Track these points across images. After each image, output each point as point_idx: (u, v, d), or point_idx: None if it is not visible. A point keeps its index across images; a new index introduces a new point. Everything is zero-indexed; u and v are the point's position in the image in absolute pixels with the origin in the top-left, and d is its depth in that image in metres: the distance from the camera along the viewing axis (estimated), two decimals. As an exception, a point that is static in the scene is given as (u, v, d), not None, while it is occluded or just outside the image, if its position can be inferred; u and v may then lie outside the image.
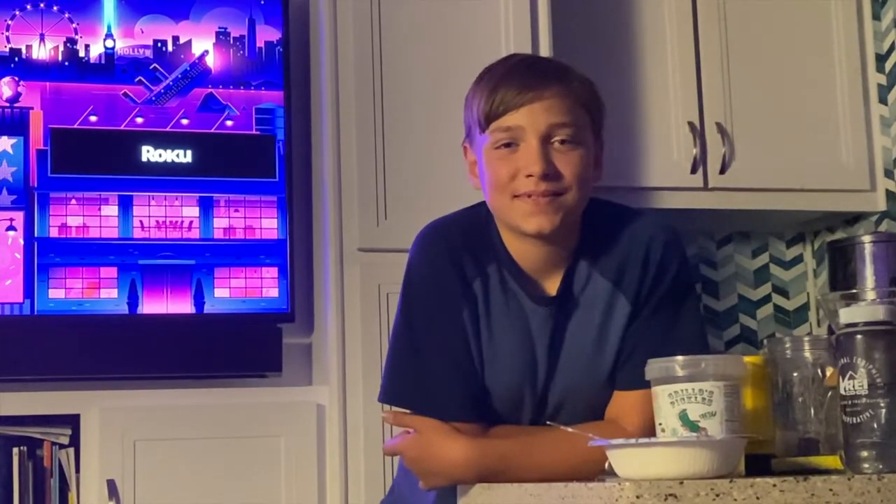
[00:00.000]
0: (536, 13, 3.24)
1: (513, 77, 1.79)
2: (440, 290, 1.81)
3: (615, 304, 1.82)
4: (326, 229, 3.10)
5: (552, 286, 1.83)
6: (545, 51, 3.20)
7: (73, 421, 2.96)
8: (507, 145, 1.77)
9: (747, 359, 1.65)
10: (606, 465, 1.48)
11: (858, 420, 1.44)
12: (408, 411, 1.83)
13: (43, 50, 3.05)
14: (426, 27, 3.20)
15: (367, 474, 2.97)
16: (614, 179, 3.31)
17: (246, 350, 3.08)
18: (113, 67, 3.09)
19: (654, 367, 1.57)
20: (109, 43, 3.08)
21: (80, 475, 2.94)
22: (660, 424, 1.55)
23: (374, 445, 2.96)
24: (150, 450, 2.94)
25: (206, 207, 3.09)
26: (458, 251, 1.82)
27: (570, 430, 1.66)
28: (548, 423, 1.75)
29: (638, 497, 1.30)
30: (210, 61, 3.16)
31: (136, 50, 3.10)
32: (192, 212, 3.08)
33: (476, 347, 1.80)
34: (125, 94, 3.09)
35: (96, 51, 3.09)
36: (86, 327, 2.98)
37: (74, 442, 2.96)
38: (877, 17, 3.66)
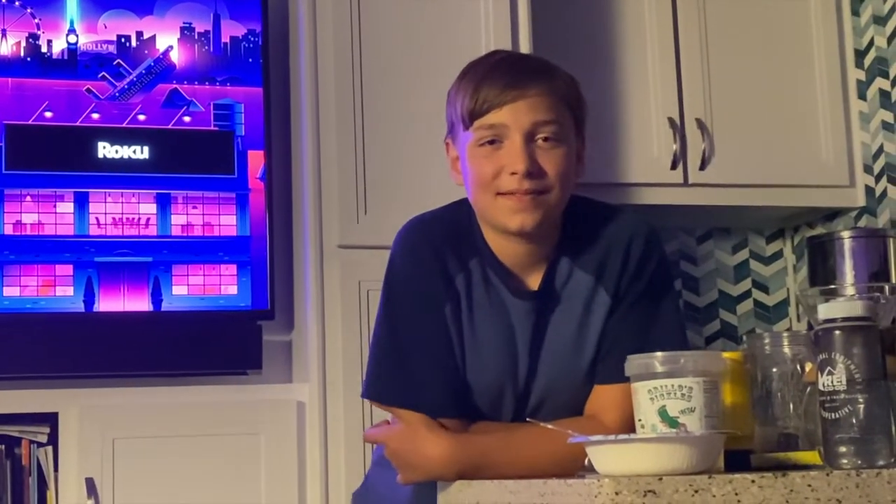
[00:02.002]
0: (517, 9, 3.24)
1: (496, 74, 1.78)
2: (422, 286, 1.81)
3: (596, 298, 1.82)
4: (306, 226, 3.09)
5: (534, 281, 1.83)
6: (525, 47, 3.19)
7: (51, 419, 2.94)
8: (491, 143, 1.77)
9: (726, 355, 1.65)
10: (586, 461, 1.48)
11: (837, 416, 1.44)
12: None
13: (4, 45, 3.03)
14: (406, 22, 3.19)
15: (347, 472, 2.96)
16: (594, 175, 3.31)
17: (226, 347, 3.07)
18: (76, 63, 3.07)
19: (633, 363, 1.57)
20: (72, 38, 3.06)
21: (59, 473, 2.93)
22: (639, 420, 1.55)
23: (355, 443, 2.96)
24: (130, 448, 2.93)
25: (164, 204, 3.07)
26: (440, 247, 1.82)
27: (549, 426, 1.66)
28: (528, 419, 1.75)
29: (617, 493, 1.30)
30: (174, 57, 3.14)
31: (99, 45, 3.08)
32: (150, 209, 3.06)
33: (458, 342, 1.80)
34: (88, 90, 3.06)
35: (59, 46, 3.06)
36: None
37: (53, 440, 2.94)
38: (856, 12, 3.66)
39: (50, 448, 2.95)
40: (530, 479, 1.50)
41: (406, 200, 2.95)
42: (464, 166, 1.82)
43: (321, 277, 3.05)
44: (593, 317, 1.82)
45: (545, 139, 1.76)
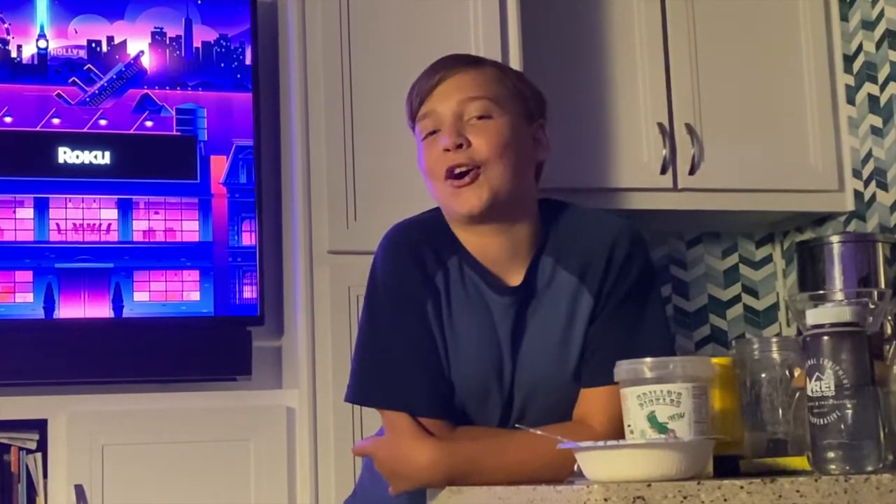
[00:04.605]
0: (506, 15, 3.24)
1: (426, 71, 1.87)
2: (404, 286, 1.82)
3: (579, 298, 1.82)
4: (296, 231, 3.09)
5: (515, 279, 1.84)
6: (514, 52, 3.19)
7: (40, 426, 2.93)
8: (433, 133, 1.82)
9: (715, 360, 1.65)
10: (575, 467, 1.48)
11: (825, 421, 1.44)
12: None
13: None
14: (395, 29, 3.19)
15: (337, 478, 2.96)
16: (584, 180, 3.32)
17: (215, 353, 3.06)
18: (46, 68, 3.05)
19: (622, 368, 1.57)
20: (42, 43, 3.04)
21: (48, 480, 2.92)
22: (628, 426, 1.54)
23: (344, 449, 2.95)
24: (119, 454, 2.92)
25: (125, 210, 3.05)
26: (419, 248, 1.83)
27: (538, 432, 1.66)
28: (517, 426, 1.75)
29: (606, 500, 1.30)
30: (146, 62, 3.12)
31: (69, 50, 3.06)
32: (111, 214, 3.04)
33: (441, 341, 1.81)
34: (59, 95, 3.05)
35: (29, 51, 3.05)
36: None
37: (42, 447, 2.94)
38: (844, 18, 3.67)
39: (39, 455, 2.94)
40: (519, 486, 1.50)
41: (395, 206, 2.94)
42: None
43: (311, 283, 3.05)
44: (577, 318, 1.82)
45: (477, 117, 1.80)
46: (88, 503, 2.87)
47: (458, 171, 1.78)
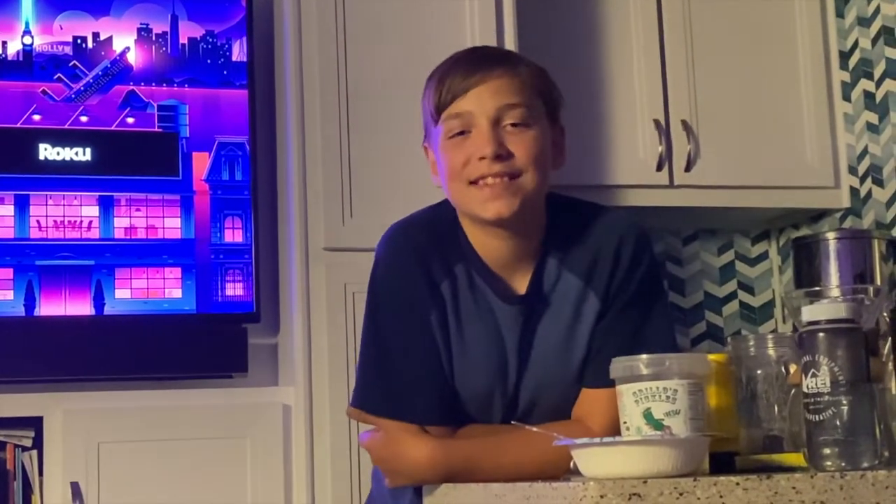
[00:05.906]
0: (502, 11, 3.24)
1: (459, 65, 1.79)
2: (407, 294, 1.79)
3: (585, 301, 1.81)
4: (292, 228, 3.09)
5: (521, 284, 1.81)
6: (510, 48, 3.19)
7: (36, 423, 2.93)
8: (461, 133, 1.76)
9: (711, 357, 1.65)
10: (571, 464, 1.48)
11: (821, 418, 1.44)
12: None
13: None
14: (391, 24, 3.19)
15: (333, 475, 2.96)
16: (580, 177, 3.32)
17: (211, 351, 3.05)
18: (31, 65, 3.04)
19: (618, 365, 1.57)
20: (28, 39, 3.02)
21: (44, 478, 2.92)
22: (624, 423, 1.55)
23: (341, 446, 2.95)
24: (115, 452, 2.92)
25: (107, 206, 3.04)
26: (424, 253, 1.80)
27: (535, 429, 1.66)
28: (513, 422, 1.74)
29: (602, 496, 1.30)
30: (131, 58, 3.11)
31: (55, 47, 3.05)
32: (92, 211, 3.02)
33: (445, 350, 1.78)
34: (44, 92, 3.03)
35: (14, 48, 3.03)
36: None
37: (38, 444, 2.93)
38: (840, 14, 3.67)
39: (35, 452, 2.93)
40: (516, 483, 1.50)
41: (391, 203, 2.95)
42: (438, 162, 1.81)
43: (307, 280, 3.04)
44: (582, 320, 1.80)
45: (513, 124, 1.75)
46: (84, 501, 2.87)
47: (491, 181, 1.74)
